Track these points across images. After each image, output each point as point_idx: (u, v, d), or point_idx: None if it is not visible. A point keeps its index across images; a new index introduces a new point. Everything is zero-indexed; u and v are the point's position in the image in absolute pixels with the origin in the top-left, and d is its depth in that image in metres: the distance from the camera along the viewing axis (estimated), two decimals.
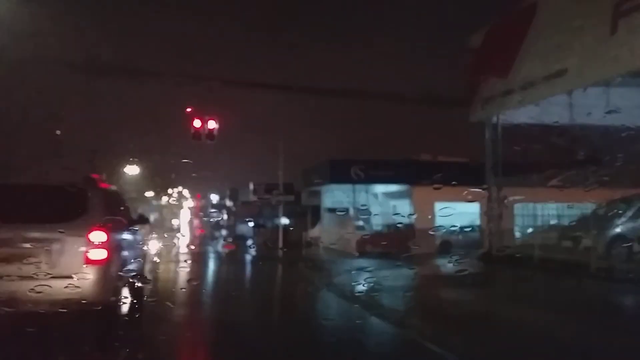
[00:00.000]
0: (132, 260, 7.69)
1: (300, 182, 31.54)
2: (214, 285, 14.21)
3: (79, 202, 6.26)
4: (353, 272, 15.19)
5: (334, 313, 9.50)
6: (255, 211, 40.52)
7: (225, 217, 58.37)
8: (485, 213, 22.40)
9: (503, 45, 13.50)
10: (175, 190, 61.64)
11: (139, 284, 7.97)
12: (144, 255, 9.16)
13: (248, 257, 26.74)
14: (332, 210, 29.30)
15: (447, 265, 17.15)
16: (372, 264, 17.99)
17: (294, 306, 9.93)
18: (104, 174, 35.29)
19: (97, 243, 6.05)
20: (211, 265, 21.54)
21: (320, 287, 13.08)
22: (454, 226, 25.43)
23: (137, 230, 8.54)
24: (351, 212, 27.51)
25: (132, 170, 39.84)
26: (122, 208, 7.90)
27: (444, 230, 25.85)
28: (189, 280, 14.35)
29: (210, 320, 8.50)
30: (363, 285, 12.08)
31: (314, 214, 30.36)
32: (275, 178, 25.85)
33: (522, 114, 13.73)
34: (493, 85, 13.89)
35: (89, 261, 5.99)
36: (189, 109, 16.88)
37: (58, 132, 20.42)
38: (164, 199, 61.48)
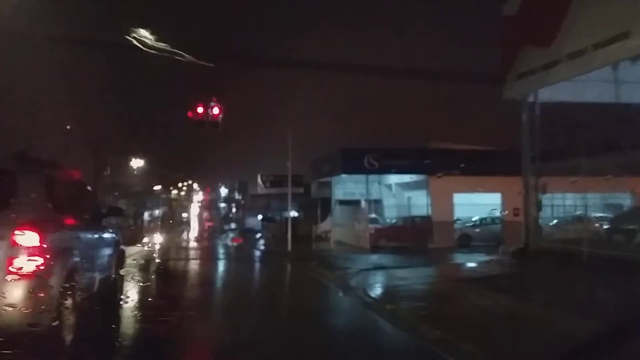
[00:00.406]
0: (93, 267, 5.96)
1: (310, 173, 30.07)
2: (215, 290, 12.68)
3: (3, 190, 4.52)
4: (370, 270, 13.54)
5: (359, 329, 7.69)
6: (264, 204, 39.51)
7: (234, 210, 57.35)
8: (503, 207, 20.84)
9: (546, 9, 11.57)
10: (185, 183, 60.84)
11: (108, 295, 6.29)
12: (116, 260, 7.26)
13: (256, 253, 25.38)
14: (343, 203, 27.70)
15: (476, 262, 15.36)
16: (388, 260, 16.33)
17: (301, 310, 8.41)
18: (109, 166, 34.37)
19: (27, 247, 4.33)
20: (216, 263, 20.18)
21: (332, 290, 11.37)
22: (474, 219, 23.91)
23: (105, 227, 6.79)
24: (364, 204, 25.80)
25: (137, 163, 38.90)
26: (80, 198, 6.14)
27: (470, 224, 24.18)
28: (189, 282, 13.06)
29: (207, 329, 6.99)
30: (384, 290, 10.41)
31: (324, 206, 28.76)
32: (285, 169, 24.20)
33: (567, 90, 11.82)
34: (532, 57, 11.95)
35: (13, 272, 4.27)
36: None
37: (68, 127, 20.33)
38: (174, 192, 60.60)
